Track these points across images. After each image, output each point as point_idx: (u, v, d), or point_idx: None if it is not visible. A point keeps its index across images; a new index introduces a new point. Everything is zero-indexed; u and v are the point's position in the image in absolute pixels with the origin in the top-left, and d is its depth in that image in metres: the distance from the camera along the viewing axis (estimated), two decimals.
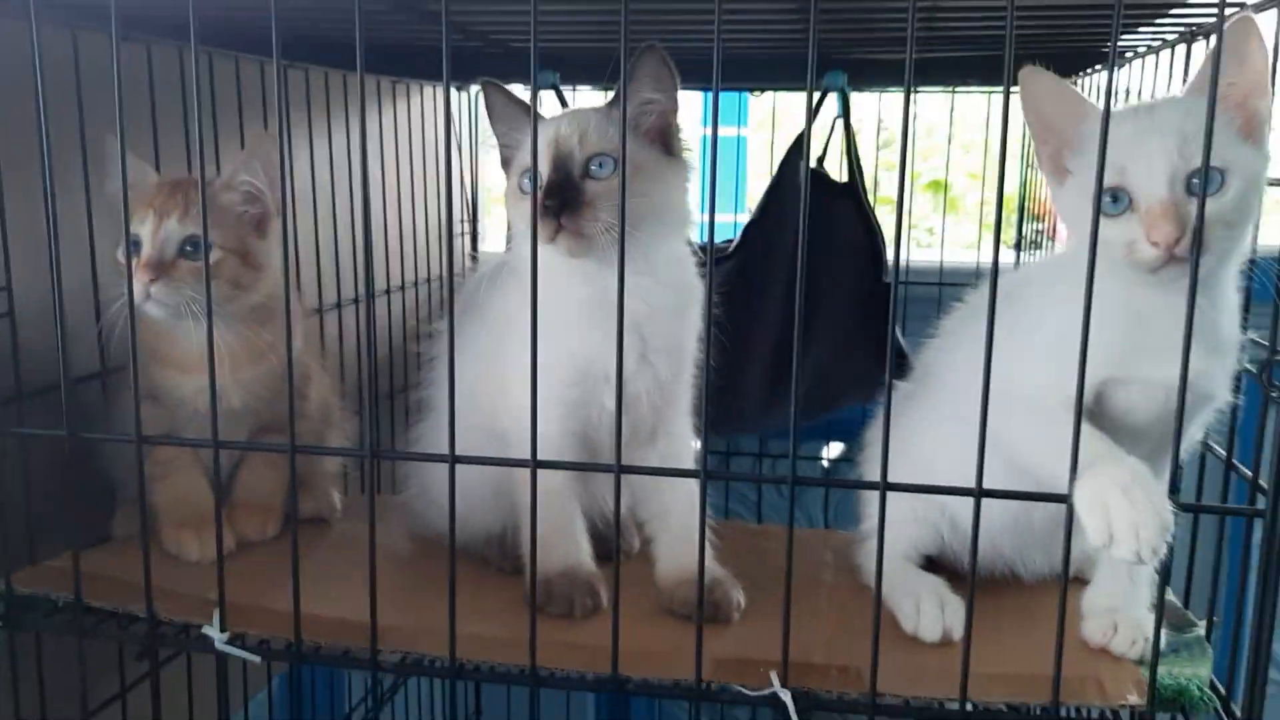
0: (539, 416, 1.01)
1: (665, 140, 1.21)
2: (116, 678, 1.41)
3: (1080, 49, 1.75)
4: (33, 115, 1.15)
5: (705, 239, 1.16)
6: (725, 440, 2.42)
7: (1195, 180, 0.97)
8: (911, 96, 0.95)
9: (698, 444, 1.30)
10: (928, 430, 1.21)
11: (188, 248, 1.25)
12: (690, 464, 1.29)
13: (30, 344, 1.26)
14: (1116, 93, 1.64)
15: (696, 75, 2.00)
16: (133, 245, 1.23)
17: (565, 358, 1.18)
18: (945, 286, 1.88)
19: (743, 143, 3.07)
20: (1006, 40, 0.89)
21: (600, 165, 1.16)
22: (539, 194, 1.12)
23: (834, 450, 2.67)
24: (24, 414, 1.16)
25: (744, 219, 2.88)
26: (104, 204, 1.27)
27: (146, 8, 1.29)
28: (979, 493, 0.95)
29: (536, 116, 1.06)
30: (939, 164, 2.53)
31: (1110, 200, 1.00)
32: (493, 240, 2.72)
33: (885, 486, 0.97)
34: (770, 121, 2.43)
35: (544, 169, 1.16)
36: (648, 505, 1.28)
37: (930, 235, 2.90)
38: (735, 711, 2.72)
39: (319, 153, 1.87)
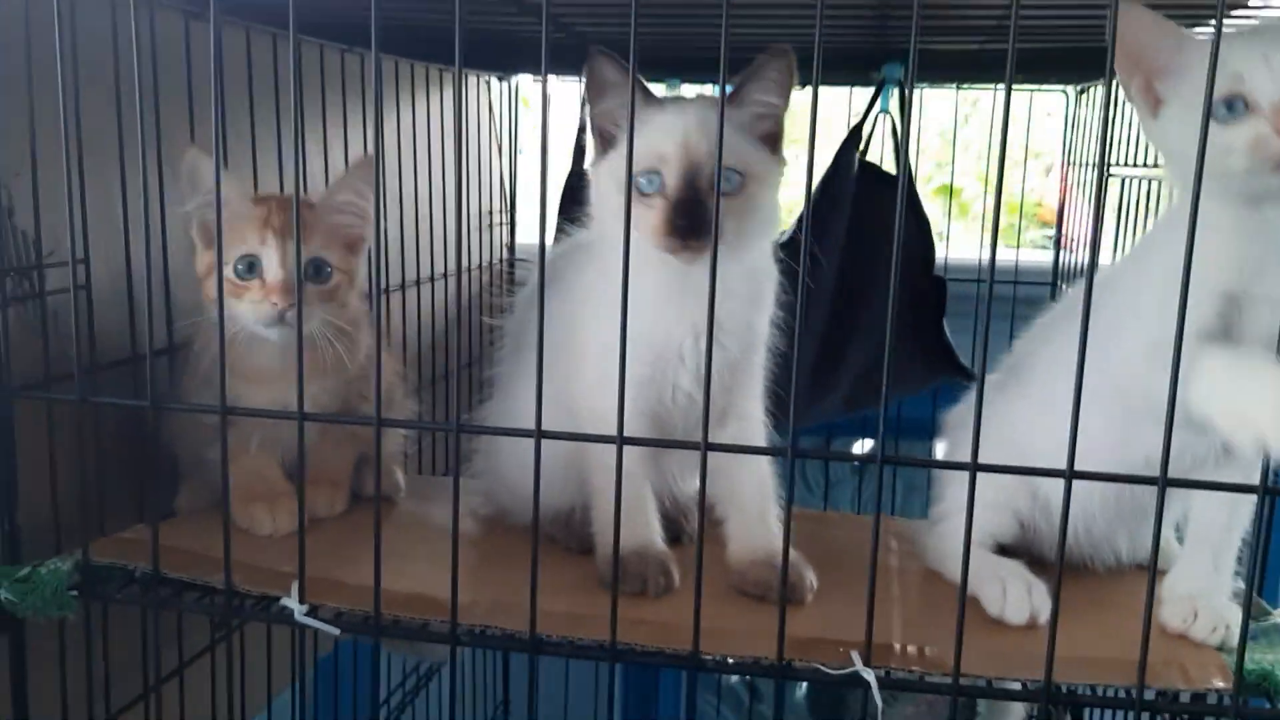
0: (612, 395, 1.02)
1: (773, 143, 1.19)
2: (175, 652, 1.42)
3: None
4: (110, 95, 1.17)
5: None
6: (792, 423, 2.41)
7: None
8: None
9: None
10: (1019, 417, 1.21)
11: (309, 270, 1.25)
12: (764, 445, 1.29)
13: (102, 319, 1.27)
14: None
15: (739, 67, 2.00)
16: (245, 266, 1.23)
17: (639, 337, 1.18)
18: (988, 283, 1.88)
19: None
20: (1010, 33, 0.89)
21: (728, 180, 1.13)
22: (667, 208, 1.12)
23: (866, 447, 2.68)
24: (99, 385, 1.17)
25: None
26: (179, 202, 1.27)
27: None
28: (1070, 474, 0.95)
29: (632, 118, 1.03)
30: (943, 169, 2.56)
31: (1225, 109, 1.00)
32: (523, 232, 2.72)
33: (976, 467, 0.97)
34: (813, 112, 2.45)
35: (671, 178, 1.13)
36: (718, 486, 1.28)
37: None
38: (763, 709, 2.73)
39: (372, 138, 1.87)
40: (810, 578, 1.21)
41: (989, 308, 0.96)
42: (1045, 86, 2.35)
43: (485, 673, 2.62)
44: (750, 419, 1.28)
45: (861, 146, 2.07)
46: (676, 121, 1.14)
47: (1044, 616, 1.12)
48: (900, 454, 2.52)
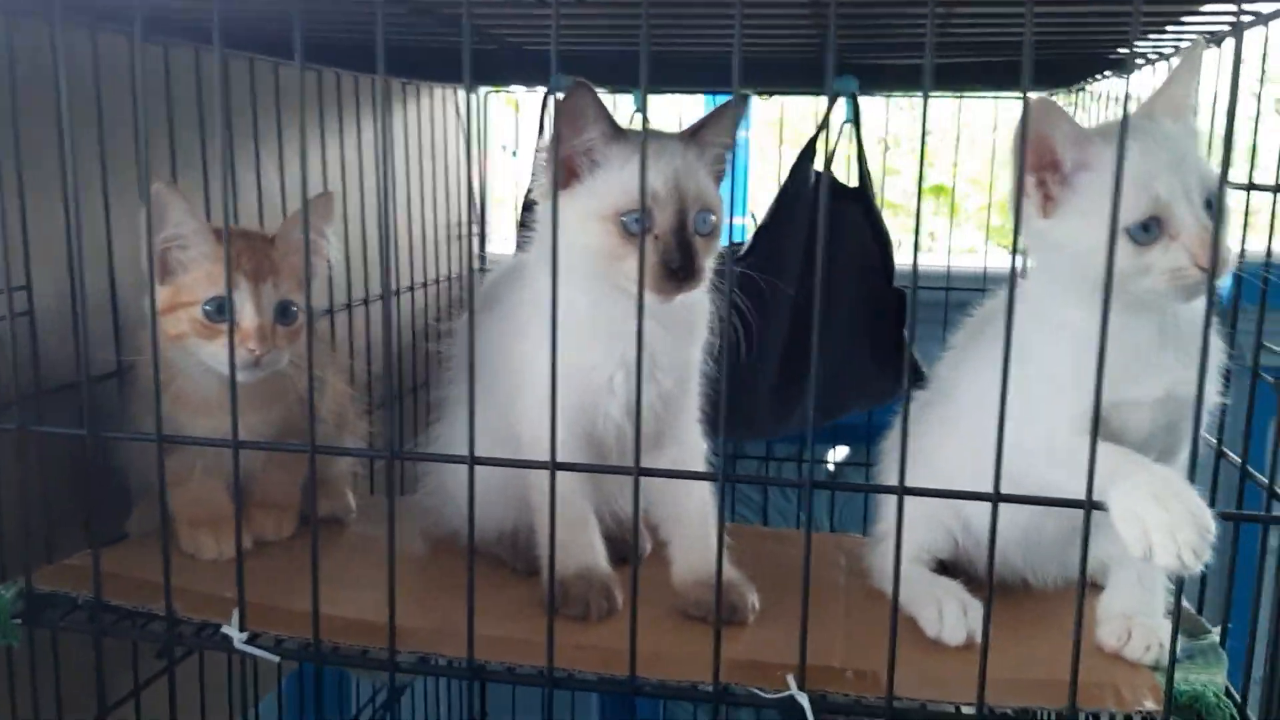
0: (548, 421, 1.02)
1: (719, 181, 1.20)
2: (130, 676, 1.42)
3: (1090, 55, 1.76)
4: (54, 117, 1.16)
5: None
6: (732, 444, 2.43)
7: (1210, 201, 1.02)
8: (927, 101, 0.96)
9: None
10: (944, 440, 1.22)
11: (279, 313, 1.26)
12: (703, 469, 1.29)
13: (48, 343, 1.26)
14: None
15: (704, 79, 2.01)
16: (216, 308, 1.23)
17: (569, 367, 1.18)
18: (952, 291, 1.88)
19: (745, 144, 3.08)
20: (1025, 44, 0.90)
21: (704, 220, 1.14)
22: (663, 250, 1.12)
23: (839, 454, 2.68)
24: (43, 412, 1.17)
25: (745, 221, 2.89)
26: (134, 229, 1.24)
27: (167, 10, 1.29)
28: (996, 497, 0.96)
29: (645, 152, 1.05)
30: (939, 168, 2.55)
31: (1142, 230, 1.02)
32: (498, 242, 2.73)
33: (903, 490, 0.98)
34: (777, 124, 2.45)
35: (663, 218, 1.13)
36: (662, 509, 1.28)
37: (932, 239, 2.92)
38: (741, 714, 2.73)
39: (332, 154, 1.87)
40: (752, 599, 1.21)
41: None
42: (1004, 94, 2.35)
43: (461, 685, 2.61)
44: (687, 443, 1.29)
45: (826, 158, 2.08)
46: (664, 161, 1.14)
47: (979, 637, 1.12)
48: (871, 460, 2.55)
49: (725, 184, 1.22)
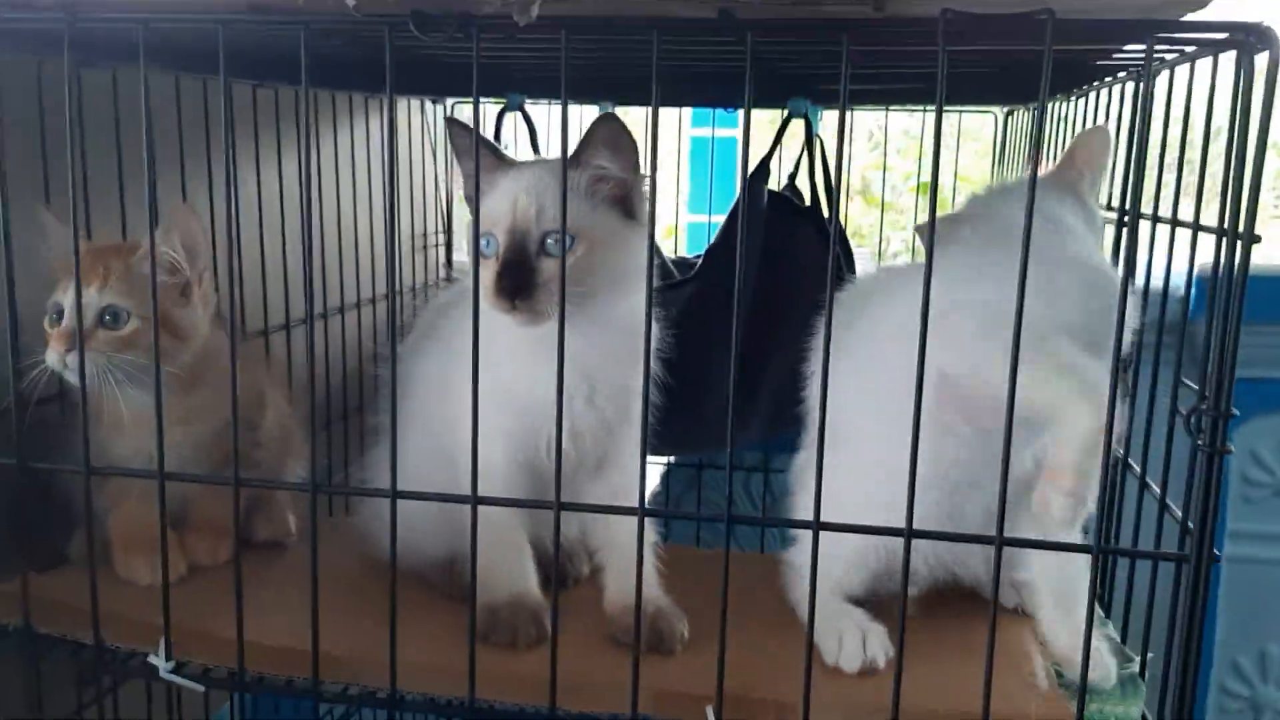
0: (485, 446, 1.03)
1: (625, 206, 1.19)
2: (74, 697, 1.42)
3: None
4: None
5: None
6: (697, 455, 2.43)
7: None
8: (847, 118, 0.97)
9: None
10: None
11: (106, 317, 1.27)
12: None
13: None
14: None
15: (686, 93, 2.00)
16: (55, 313, 1.26)
17: (507, 392, 1.19)
18: None
19: (732, 144, 3.09)
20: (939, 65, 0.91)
21: (556, 242, 1.15)
22: (497, 270, 1.14)
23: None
24: None
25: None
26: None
27: (96, 33, 1.29)
28: (909, 533, 0.97)
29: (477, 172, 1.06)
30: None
31: None
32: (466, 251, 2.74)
33: (819, 526, 0.98)
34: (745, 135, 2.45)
35: (500, 241, 1.15)
36: (596, 535, 1.29)
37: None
38: None
39: (269, 171, 1.87)
40: (681, 629, 1.21)
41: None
42: (970, 108, 2.37)
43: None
44: (626, 469, 1.29)
45: (791, 173, 2.09)
46: (510, 186, 1.16)
47: (882, 662, 1.15)
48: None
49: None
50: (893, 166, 2.78)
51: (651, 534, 1.27)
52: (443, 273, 2.65)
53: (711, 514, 1.04)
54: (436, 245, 2.61)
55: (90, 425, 1.20)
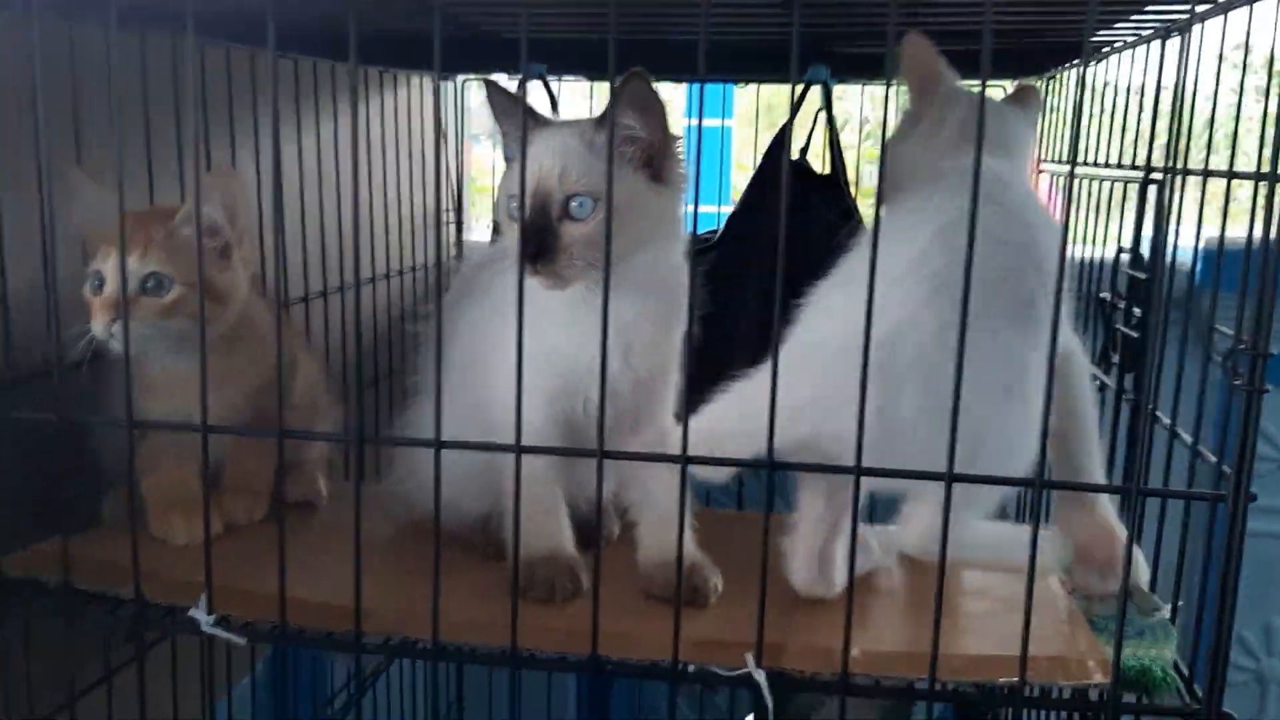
0: (524, 403, 1.03)
1: (653, 168, 1.19)
2: (101, 662, 1.43)
3: (1056, 44, 1.78)
4: (29, 108, 1.17)
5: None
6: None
7: None
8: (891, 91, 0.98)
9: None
10: None
11: (149, 284, 1.27)
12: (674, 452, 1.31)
13: (21, 327, 1.27)
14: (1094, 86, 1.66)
15: (681, 67, 2.02)
16: (96, 281, 1.26)
17: (548, 351, 1.20)
18: None
19: (727, 134, 3.10)
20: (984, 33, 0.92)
21: (580, 205, 1.14)
22: (521, 234, 1.14)
23: None
24: (17, 399, 1.18)
25: (728, 210, 2.91)
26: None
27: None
28: (950, 477, 0.97)
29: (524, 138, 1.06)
30: None
31: None
32: (478, 231, 2.75)
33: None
34: (754, 113, 2.46)
35: (528, 208, 1.15)
36: (631, 492, 1.30)
37: None
38: (715, 698, 2.75)
39: (308, 142, 1.88)
40: (715, 580, 1.23)
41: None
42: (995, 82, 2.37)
43: (435, 670, 2.63)
44: (664, 427, 1.30)
45: (803, 147, 2.10)
46: (536, 148, 1.15)
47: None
48: None
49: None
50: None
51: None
52: (453, 251, 2.66)
53: (756, 461, 1.04)
54: (448, 223, 2.62)
55: (134, 389, 1.22)
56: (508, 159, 1.23)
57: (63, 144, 1.28)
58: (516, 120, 1.17)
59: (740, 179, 3.21)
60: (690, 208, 1.19)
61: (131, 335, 1.21)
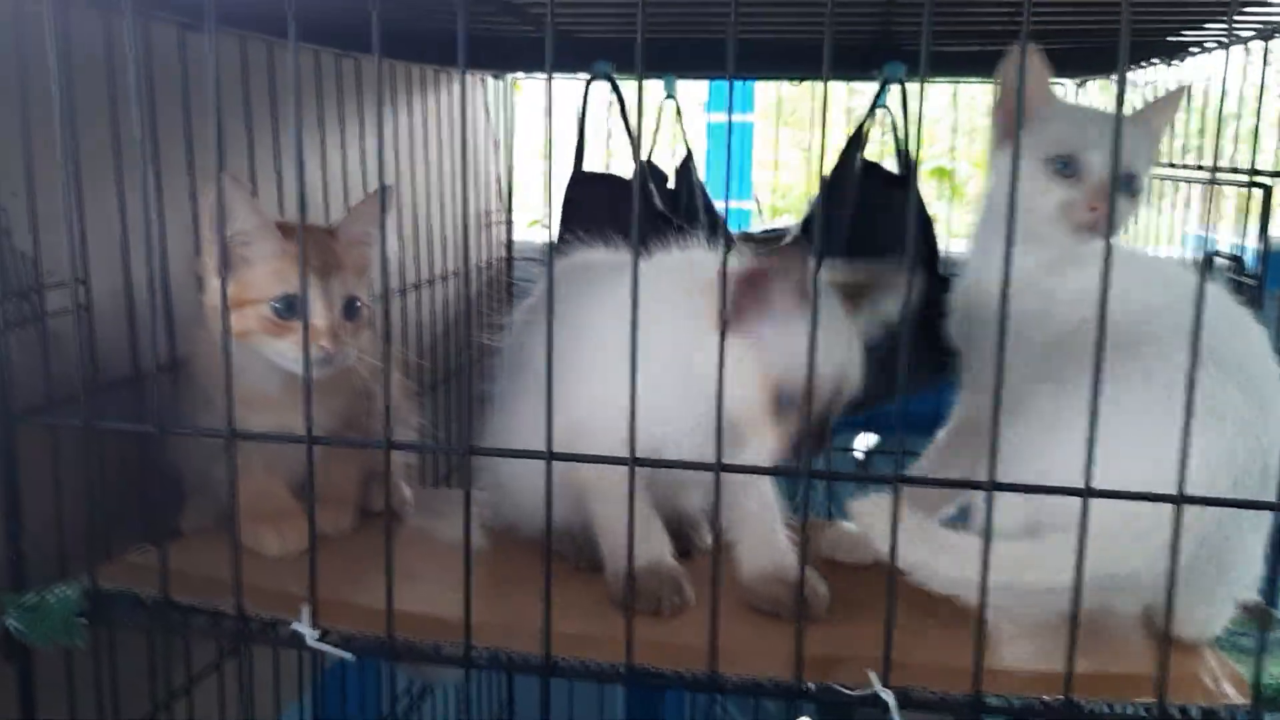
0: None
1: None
2: (183, 670, 1.41)
3: (1139, 42, 1.75)
4: (107, 109, 1.15)
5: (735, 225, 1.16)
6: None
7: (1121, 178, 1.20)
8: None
9: None
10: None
11: (346, 308, 1.25)
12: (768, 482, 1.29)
13: (103, 338, 1.25)
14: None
15: (741, 65, 2.00)
16: (285, 305, 1.21)
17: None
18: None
19: (749, 129, 3.07)
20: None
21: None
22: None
23: (869, 441, 2.67)
24: (102, 408, 1.15)
25: (748, 204, 2.89)
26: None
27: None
28: (1086, 492, 0.95)
29: None
30: (938, 151, 2.56)
31: (1063, 164, 1.22)
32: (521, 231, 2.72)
33: (993, 486, 0.97)
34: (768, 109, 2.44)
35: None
36: (726, 511, 1.27)
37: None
38: (767, 704, 2.72)
39: (370, 142, 1.86)
40: (823, 590, 1.20)
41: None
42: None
43: (489, 676, 2.61)
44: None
45: (863, 143, 2.07)
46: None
47: None
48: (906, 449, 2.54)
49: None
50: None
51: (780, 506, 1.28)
52: (500, 252, 2.64)
53: (880, 475, 1.02)
54: (498, 224, 2.60)
55: (215, 397, 1.19)
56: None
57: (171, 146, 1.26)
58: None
59: (760, 176, 3.20)
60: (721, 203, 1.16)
61: (343, 359, 1.22)
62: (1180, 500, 0.93)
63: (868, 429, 2.56)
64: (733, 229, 2.38)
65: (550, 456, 1.04)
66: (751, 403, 1.14)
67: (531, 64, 2.33)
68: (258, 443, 1.26)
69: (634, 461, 1.03)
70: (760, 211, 2.94)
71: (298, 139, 1.03)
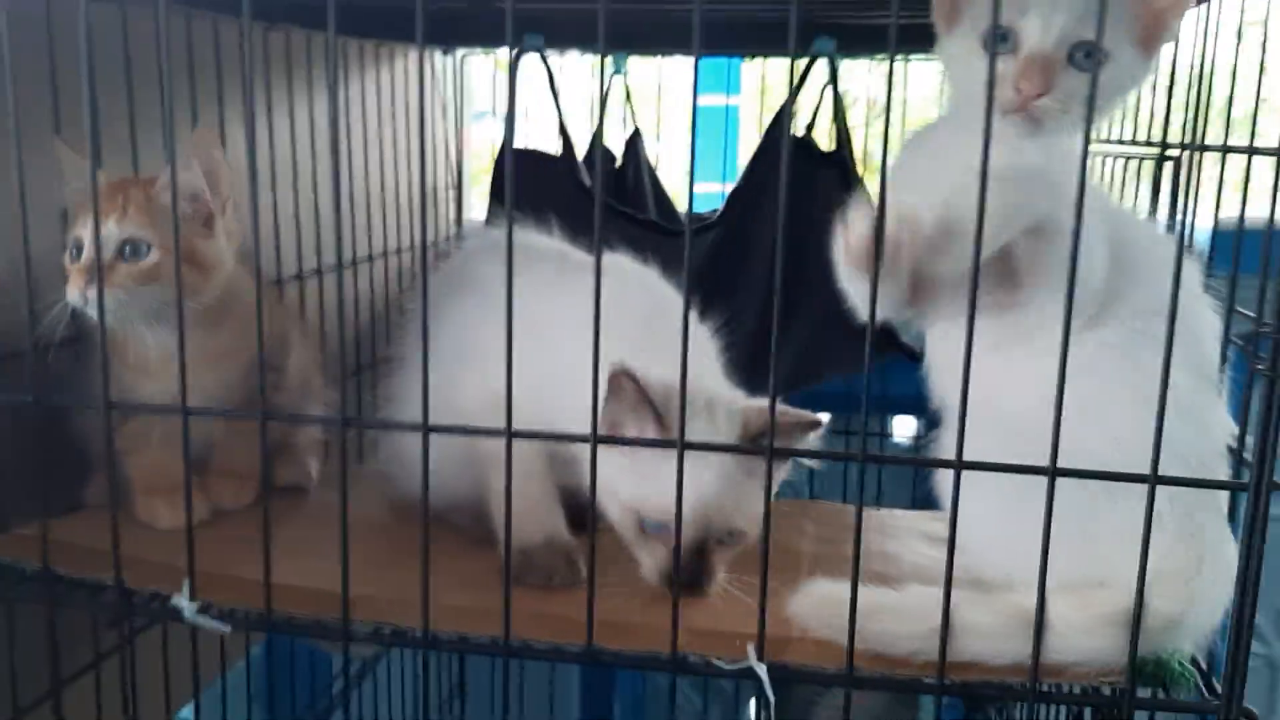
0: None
1: None
2: (90, 647, 1.40)
3: None
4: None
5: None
6: None
7: (1078, 53, 1.05)
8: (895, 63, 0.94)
9: None
10: None
11: (127, 249, 1.23)
12: None
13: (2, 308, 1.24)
14: None
15: (682, 41, 1.98)
16: (75, 248, 1.22)
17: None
18: None
19: (734, 111, 3.05)
20: None
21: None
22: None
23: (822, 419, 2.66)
24: None
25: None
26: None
27: None
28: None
29: None
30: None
31: (1001, 39, 1.05)
32: (478, 210, 2.70)
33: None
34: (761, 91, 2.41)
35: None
36: None
37: None
38: (720, 683, 2.73)
39: (299, 117, 1.84)
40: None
41: None
42: None
43: (443, 657, 2.60)
44: None
45: (808, 123, 2.05)
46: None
47: None
48: (851, 428, 2.53)
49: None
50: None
51: None
52: (453, 229, 2.62)
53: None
54: (448, 200, 2.58)
55: (112, 366, 1.18)
56: None
57: (40, 117, 1.24)
58: None
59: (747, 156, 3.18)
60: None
61: (108, 303, 1.14)
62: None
63: (815, 408, 2.55)
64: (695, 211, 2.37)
65: (426, 429, 1.02)
66: (617, 520, 1.15)
67: (475, 39, 2.31)
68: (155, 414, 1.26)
69: (510, 433, 1.01)
70: None
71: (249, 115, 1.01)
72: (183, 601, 1.09)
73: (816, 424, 1.15)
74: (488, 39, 2.23)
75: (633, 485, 1.10)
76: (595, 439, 1.01)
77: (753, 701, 2.68)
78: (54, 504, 1.16)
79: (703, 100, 2.97)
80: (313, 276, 1.79)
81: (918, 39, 1.93)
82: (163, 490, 1.28)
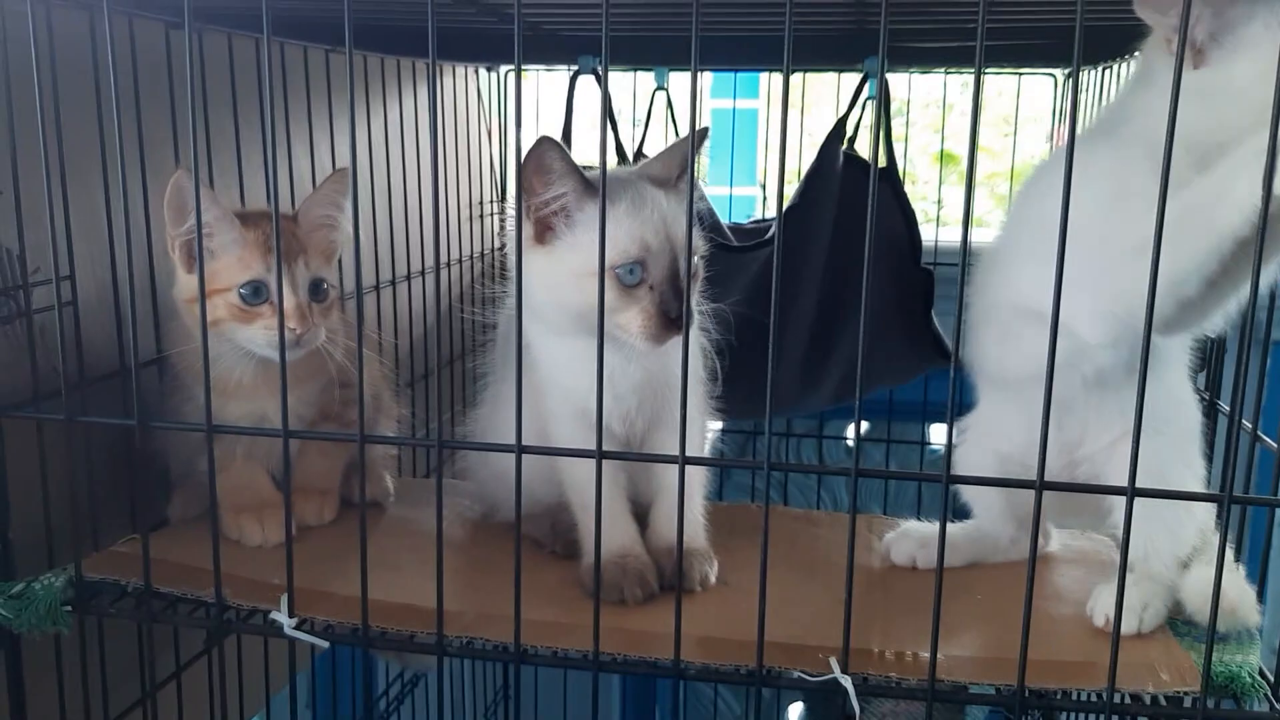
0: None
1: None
2: (172, 657, 1.44)
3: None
4: (91, 107, 1.17)
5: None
6: (752, 421, 2.43)
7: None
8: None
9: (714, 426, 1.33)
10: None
11: (312, 290, 1.27)
12: (703, 447, 1.34)
13: (88, 332, 1.28)
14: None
15: (724, 57, 2.01)
16: (252, 290, 1.24)
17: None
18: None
19: (753, 115, 3.08)
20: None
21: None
22: (657, 300, 1.13)
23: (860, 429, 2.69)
24: (88, 400, 1.18)
25: (755, 191, 2.89)
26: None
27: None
28: (1040, 485, 0.97)
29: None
30: (951, 137, 2.56)
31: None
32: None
33: (949, 479, 0.99)
34: (775, 95, 2.43)
35: (656, 269, 1.13)
36: (650, 482, 1.31)
37: (939, 206, 2.93)
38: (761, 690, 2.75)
39: (359, 136, 1.88)
40: (706, 570, 1.26)
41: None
42: (1030, 70, 2.35)
43: (485, 664, 2.64)
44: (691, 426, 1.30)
45: (849, 138, 2.08)
46: (651, 210, 1.14)
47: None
48: (893, 436, 2.56)
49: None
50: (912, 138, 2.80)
51: (700, 486, 1.33)
52: (497, 242, 2.66)
53: (839, 468, 1.04)
54: (493, 215, 2.61)
55: (197, 389, 1.22)
56: (545, 225, 1.16)
57: (129, 144, 1.28)
58: (568, 186, 1.12)
59: (770, 160, 3.20)
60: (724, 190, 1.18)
61: (310, 340, 1.23)
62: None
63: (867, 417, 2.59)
64: (737, 220, 2.40)
65: (520, 449, 1.06)
66: (575, 295, 1.14)
67: (529, 58, 2.35)
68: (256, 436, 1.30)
69: (601, 454, 1.05)
70: (766, 197, 2.95)
71: (265, 130, 1.05)
72: (282, 617, 1.13)
73: None
74: (541, 57, 2.28)
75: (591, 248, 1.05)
76: (684, 460, 1.04)
77: (793, 708, 2.72)
78: (143, 524, 1.20)
79: (724, 104, 3.00)
80: (370, 291, 1.83)
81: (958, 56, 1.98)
82: (250, 508, 1.32)
